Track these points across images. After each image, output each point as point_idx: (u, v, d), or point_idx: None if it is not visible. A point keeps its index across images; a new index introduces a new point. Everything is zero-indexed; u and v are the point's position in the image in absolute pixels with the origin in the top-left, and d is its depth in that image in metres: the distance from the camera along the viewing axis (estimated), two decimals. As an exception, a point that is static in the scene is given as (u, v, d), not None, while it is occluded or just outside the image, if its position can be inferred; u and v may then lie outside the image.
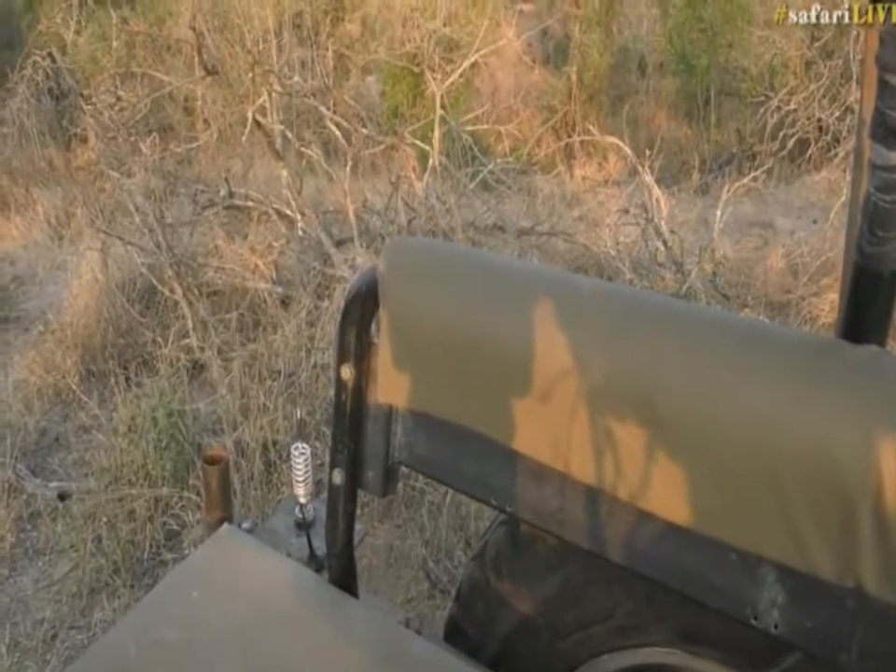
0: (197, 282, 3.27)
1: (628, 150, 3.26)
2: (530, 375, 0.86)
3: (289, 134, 4.43)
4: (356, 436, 1.06)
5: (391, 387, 1.01)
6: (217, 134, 5.03)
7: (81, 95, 5.70)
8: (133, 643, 1.05)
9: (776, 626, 0.73)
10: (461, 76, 4.68)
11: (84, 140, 5.52)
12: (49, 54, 6.24)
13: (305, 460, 1.20)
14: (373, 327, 1.03)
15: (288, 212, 3.75)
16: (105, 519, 2.09)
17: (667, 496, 0.78)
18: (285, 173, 3.97)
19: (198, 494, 2.15)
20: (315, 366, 2.56)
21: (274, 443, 2.26)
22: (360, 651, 1.06)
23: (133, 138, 4.66)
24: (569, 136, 3.84)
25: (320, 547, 1.21)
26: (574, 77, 4.78)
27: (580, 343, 0.84)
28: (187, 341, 2.86)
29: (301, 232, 3.57)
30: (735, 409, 0.73)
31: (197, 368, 2.74)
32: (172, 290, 3.13)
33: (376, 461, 1.06)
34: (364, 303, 1.01)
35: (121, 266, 3.43)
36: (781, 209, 3.40)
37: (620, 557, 0.85)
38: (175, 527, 2.09)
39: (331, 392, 2.44)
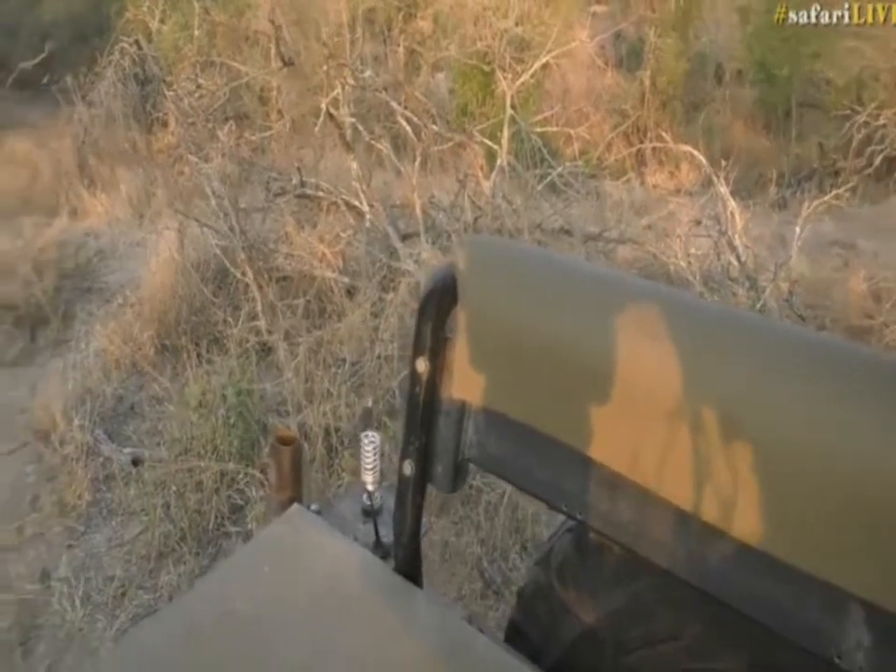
0: (267, 266, 3.35)
1: (702, 160, 3.19)
2: (610, 383, 0.85)
3: (360, 127, 4.48)
4: (427, 429, 1.07)
5: (465, 384, 1.01)
6: (290, 124, 5.13)
7: (164, 81, 5.90)
8: (205, 610, 1.08)
9: (860, 669, 0.69)
10: (532, 76, 4.66)
11: (165, 124, 5.71)
12: (136, 41, 6.48)
13: (374, 448, 1.21)
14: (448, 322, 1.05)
15: (357, 204, 3.81)
16: (174, 488, 2.18)
17: (749, 519, 0.75)
18: (355, 165, 4.02)
19: (262, 471, 2.22)
20: (378, 357, 2.60)
21: (336, 430, 2.31)
22: (423, 642, 1.07)
23: (210, 125, 4.80)
24: (641, 142, 3.77)
25: (386, 535, 1.23)
26: (647, 82, 4.68)
27: (662, 354, 0.82)
28: (256, 323, 2.95)
29: (368, 224, 3.62)
30: (828, 434, 0.71)
31: (265, 350, 2.82)
32: (243, 273, 3.22)
33: (446, 456, 1.07)
34: (441, 299, 1.01)
35: (197, 247, 3.54)
36: (865, 230, 3.25)
37: (693, 577, 0.83)
38: (240, 502, 2.16)
39: (394, 384, 2.49)
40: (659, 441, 0.83)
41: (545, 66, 4.99)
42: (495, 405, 0.99)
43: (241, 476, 2.19)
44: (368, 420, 2.43)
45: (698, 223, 2.88)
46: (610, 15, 6.77)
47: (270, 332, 2.88)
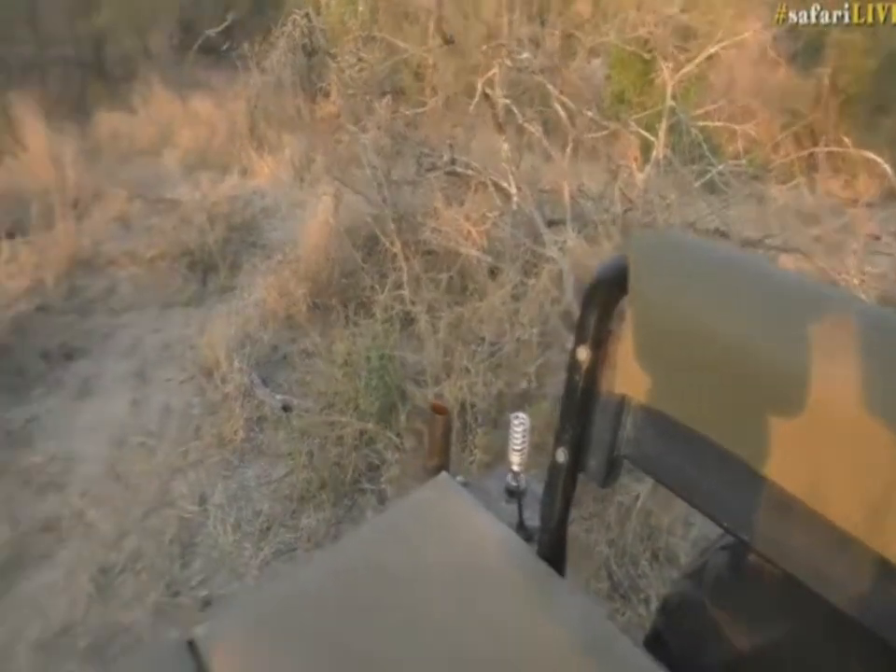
0: (414, 239, 3.41)
1: (887, 169, 2.86)
2: (794, 396, 0.77)
3: (514, 109, 4.42)
4: (583, 420, 1.04)
5: (628, 378, 0.96)
6: (443, 101, 5.15)
7: (328, 54, 6.12)
8: (356, 559, 1.11)
9: None
10: (696, 66, 4.37)
11: (327, 94, 5.92)
12: (306, 14, 6.75)
13: (524, 430, 1.19)
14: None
15: (505, 185, 3.78)
16: (318, 439, 2.29)
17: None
18: (506, 146, 3.98)
19: (398, 435, 2.28)
20: (518, 340, 2.58)
21: (472, 406, 2.32)
22: (562, 631, 1.05)
23: (368, 97, 4.91)
24: (814, 145, 3.44)
25: (529, 518, 1.22)
26: (826, 81, 4.25)
27: (856, 372, 0.73)
28: (400, 292, 3.01)
29: (515, 207, 3.58)
30: None
31: (407, 319, 2.88)
32: (392, 243, 3.29)
33: (600, 450, 1.03)
34: (609, 289, 0.96)
35: (350, 213, 3.66)
36: None
37: (868, 619, 0.75)
38: (376, 462, 2.23)
39: (531, 369, 2.46)
40: (844, 467, 0.74)
41: (711, 57, 4.67)
42: (658, 404, 0.93)
43: (379, 437, 2.26)
44: (500, 402, 2.44)
45: (877, 238, 2.59)
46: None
47: (413, 303, 2.93)
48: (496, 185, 3.81)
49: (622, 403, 0.99)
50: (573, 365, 1.02)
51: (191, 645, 0.84)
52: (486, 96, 4.17)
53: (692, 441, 0.90)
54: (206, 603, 1.83)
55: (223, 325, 2.88)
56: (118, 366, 2.77)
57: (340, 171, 4.11)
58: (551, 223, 3.48)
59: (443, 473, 1.32)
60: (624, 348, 0.94)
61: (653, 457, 0.98)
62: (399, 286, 3.06)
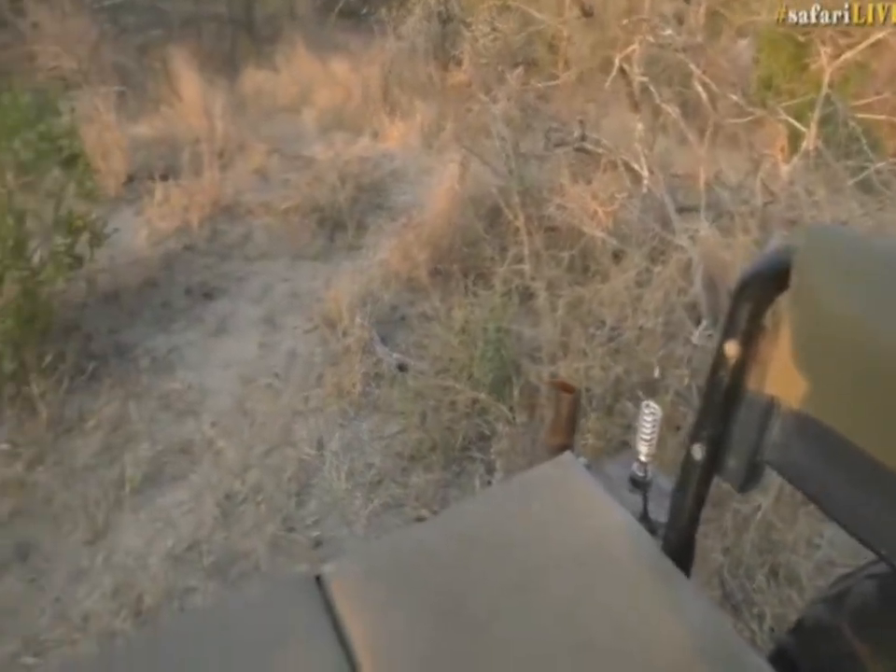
0: (538, 214, 3.30)
1: None
2: None
3: (652, 88, 4.15)
4: (725, 418, 0.96)
5: (780, 379, 0.87)
6: (576, 76, 4.93)
7: (463, 22, 6.02)
8: (478, 524, 1.08)
9: None
10: (859, 53, 3.92)
11: (459, 63, 5.84)
12: (444, -19, 6.65)
13: (654, 420, 1.14)
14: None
15: (636, 167, 3.57)
16: (431, 401, 2.28)
17: None
18: (640, 126, 3.75)
19: (510, 409, 2.23)
20: (640, 328, 2.45)
21: (587, 389, 2.23)
22: (684, 634, 0.98)
23: (500, 67, 4.77)
24: None
25: (653, 511, 1.16)
26: None
27: None
28: (521, 266, 2.93)
29: (645, 190, 3.39)
30: None
31: (526, 294, 2.80)
32: (515, 216, 3.20)
33: (741, 452, 0.94)
34: (765, 284, 0.87)
35: (476, 182, 3.60)
36: None
37: None
38: (486, 432, 2.19)
39: (652, 359, 2.33)
40: None
41: (876, 43, 4.17)
42: (813, 410, 0.83)
43: (491, 408, 2.22)
44: (617, 388, 2.34)
45: None
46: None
47: (533, 278, 2.85)
48: (626, 165, 3.61)
49: (770, 405, 0.90)
50: (719, 360, 0.94)
51: (319, 580, 0.88)
52: (623, 72, 3.94)
53: (849, 456, 0.80)
54: (318, 543, 1.88)
55: (347, 281, 2.93)
56: (250, 309, 2.88)
57: (468, 140, 4.05)
58: (682, 210, 3.25)
59: (568, 453, 1.28)
60: (779, 347, 0.85)
61: (802, 467, 0.89)
62: (519, 259, 2.98)
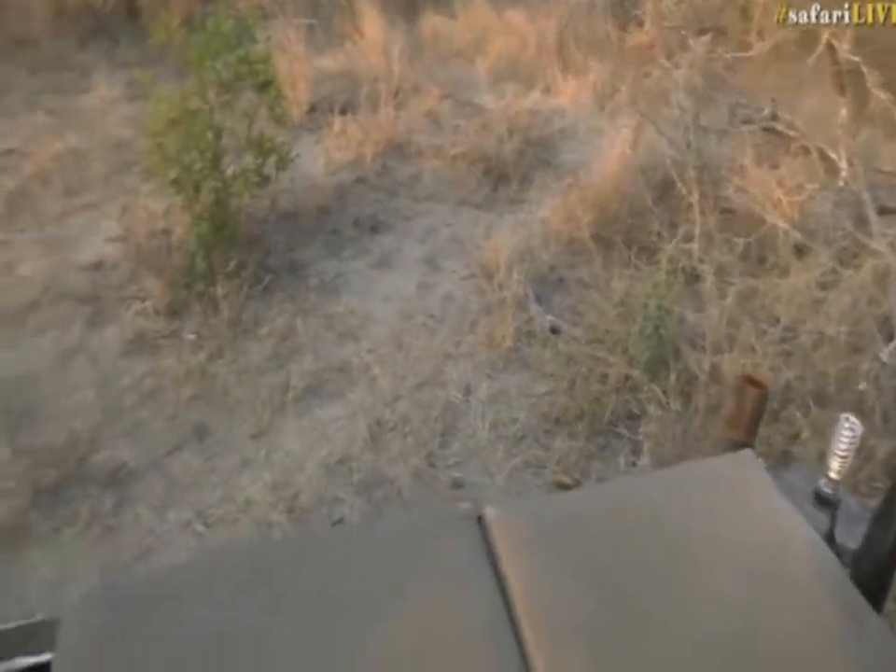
0: (714, 193, 3.03)
1: None
2: None
3: (864, 69, 3.63)
4: None
5: None
6: (771, 48, 4.42)
7: (649, -19, 5.55)
8: (636, 505, 1.01)
9: None
10: None
11: (640, 24, 5.41)
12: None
13: (853, 437, 1.03)
14: None
15: (833, 156, 3.17)
16: (583, 369, 2.20)
17: None
18: (844, 112, 3.31)
19: (664, 392, 2.10)
20: (821, 333, 2.20)
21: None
22: None
23: (685, 32, 4.37)
24: None
25: (839, 535, 1.04)
26: None
27: None
28: (689, 245, 2.71)
29: (841, 183, 3.00)
30: None
31: (692, 276, 2.60)
32: (689, 192, 2.95)
33: None
34: None
35: (649, 151, 3.36)
36: None
37: None
38: (636, 411, 2.08)
39: (831, 369, 2.09)
40: None
41: None
42: None
43: (643, 388, 2.10)
44: (785, 397, 2.12)
45: None
46: None
47: (702, 261, 2.63)
48: (821, 153, 3.21)
49: None
50: None
51: (480, 520, 0.90)
52: (831, 49, 3.46)
53: None
54: (458, 485, 1.89)
55: (508, 234, 2.86)
56: (412, 248, 2.90)
57: (644, 106, 3.78)
58: (884, 211, 2.86)
59: (749, 451, 1.17)
60: None
61: None
62: (688, 238, 2.76)
